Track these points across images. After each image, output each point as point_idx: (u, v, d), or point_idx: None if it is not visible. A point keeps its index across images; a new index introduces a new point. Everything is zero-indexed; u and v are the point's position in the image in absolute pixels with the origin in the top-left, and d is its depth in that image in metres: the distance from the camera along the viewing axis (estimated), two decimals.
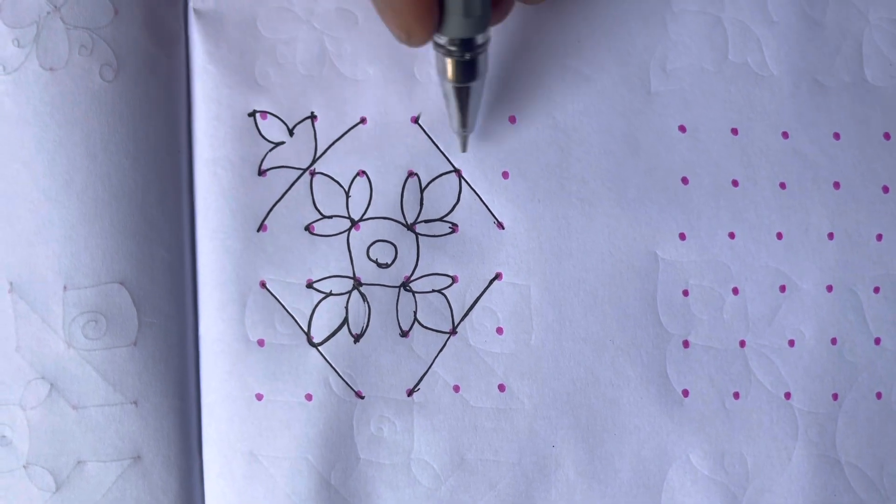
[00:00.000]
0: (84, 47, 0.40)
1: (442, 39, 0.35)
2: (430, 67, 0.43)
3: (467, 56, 0.36)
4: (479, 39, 0.36)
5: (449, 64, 0.36)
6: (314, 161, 0.42)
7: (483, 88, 0.39)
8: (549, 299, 0.43)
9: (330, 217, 0.42)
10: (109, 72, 0.40)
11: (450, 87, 0.38)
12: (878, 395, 0.45)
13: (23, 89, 0.39)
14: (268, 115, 0.42)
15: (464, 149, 0.42)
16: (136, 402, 0.40)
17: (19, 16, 0.39)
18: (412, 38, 0.34)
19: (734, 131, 0.44)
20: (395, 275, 0.43)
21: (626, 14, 0.44)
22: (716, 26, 0.44)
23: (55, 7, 0.39)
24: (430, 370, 0.42)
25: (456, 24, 0.34)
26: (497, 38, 0.43)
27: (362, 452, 0.42)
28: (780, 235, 0.44)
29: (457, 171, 0.43)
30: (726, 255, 0.44)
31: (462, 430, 0.42)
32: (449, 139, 0.43)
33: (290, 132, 0.42)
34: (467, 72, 0.36)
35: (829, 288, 0.44)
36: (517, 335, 0.43)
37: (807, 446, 0.44)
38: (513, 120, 0.43)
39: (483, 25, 0.35)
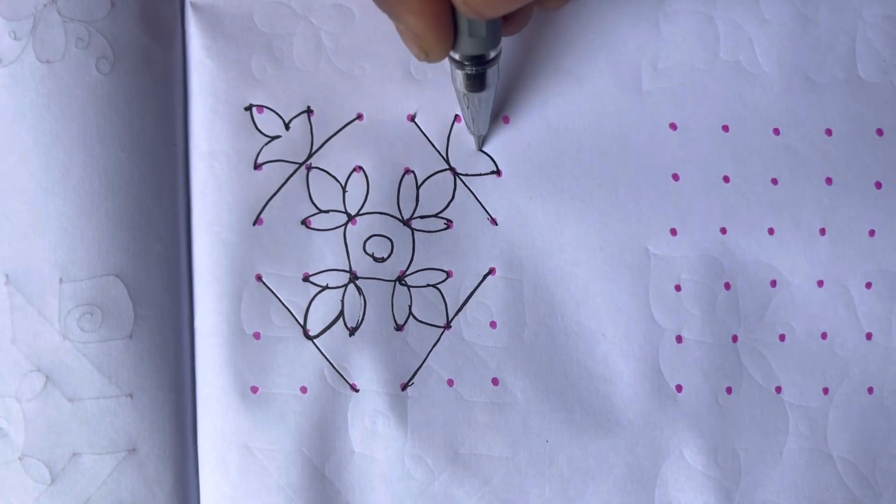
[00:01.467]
0: (80, 40, 0.39)
1: (455, 55, 0.37)
2: (426, 65, 0.43)
3: (476, 70, 0.37)
4: (490, 54, 0.37)
5: (460, 76, 0.38)
6: (310, 155, 0.42)
7: (493, 96, 0.40)
8: (542, 294, 0.43)
9: (326, 211, 0.42)
10: (106, 65, 0.39)
11: (462, 95, 0.39)
12: (870, 390, 0.44)
13: (19, 82, 0.39)
14: (264, 109, 0.42)
15: (478, 147, 0.43)
16: (131, 395, 0.40)
17: (16, 8, 0.39)
18: (431, 56, 0.36)
19: (725, 128, 0.44)
20: (391, 269, 0.42)
21: (618, 13, 0.44)
22: (708, 25, 0.44)
23: (52, 0, 0.39)
24: (424, 364, 0.42)
25: (465, 43, 0.36)
26: None
27: (356, 445, 0.41)
28: (771, 231, 0.44)
29: (451, 168, 0.43)
30: (718, 251, 0.44)
31: (456, 425, 0.42)
32: (444, 137, 0.43)
33: (287, 126, 0.42)
34: (477, 83, 0.38)
35: (821, 283, 0.44)
36: (510, 329, 0.43)
37: (797, 440, 0.44)
38: (506, 120, 0.43)
39: (491, 44, 0.36)
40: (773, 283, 0.44)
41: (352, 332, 0.42)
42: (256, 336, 0.41)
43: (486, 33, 0.35)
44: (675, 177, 0.43)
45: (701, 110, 0.44)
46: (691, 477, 0.43)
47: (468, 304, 0.43)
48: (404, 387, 0.42)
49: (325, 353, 0.42)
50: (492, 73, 0.38)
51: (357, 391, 0.42)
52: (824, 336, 0.44)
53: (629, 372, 0.43)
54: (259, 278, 0.42)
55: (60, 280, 0.39)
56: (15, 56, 0.39)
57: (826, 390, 0.44)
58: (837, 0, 0.45)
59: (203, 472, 0.41)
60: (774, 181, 0.44)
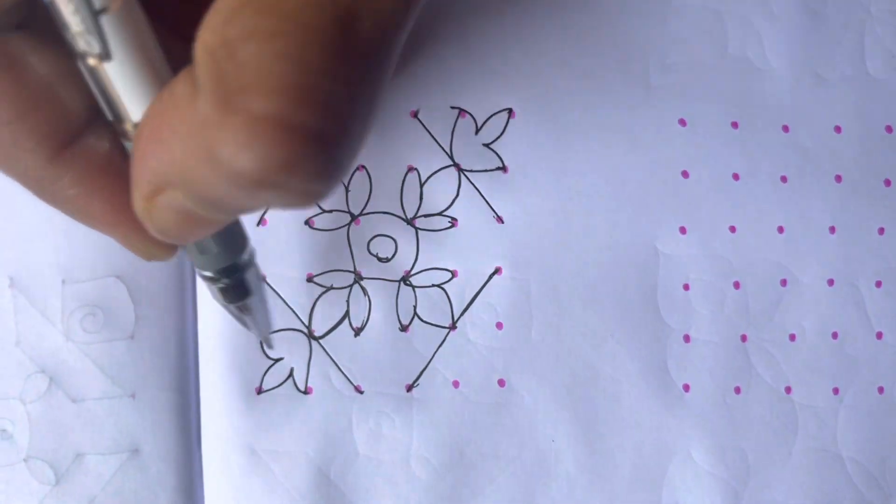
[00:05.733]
0: None
1: (202, 271, 0.30)
2: (429, 59, 0.42)
3: (229, 282, 0.30)
4: (243, 257, 0.29)
5: (214, 291, 0.30)
6: None
7: (260, 297, 0.32)
8: (549, 294, 0.42)
9: (330, 211, 0.41)
10: None
11: (226, 308, 0.32)
12: (880, 390, 0.44)
13: None
14: None
15: (269, 346, 0.39)
16: (133, 395, 0.39)
17: None
18: (159, 259, 0.29)
19: (734, 125, 0.43)
20: (396, 269, 0.41)
21: (626, 8, 0.43)
22: (716, 20, 0.43)
23: None
24: (429, 365, 0.41)
25: (199, 260, 0.29)
26: (497, 31, 0.42)
27: (361, 448, 0.41)
28: (781, 229, 0.43)
29: (456, 165, 0.42)
30: (727, 249, 0.43)
31: (461, 426, 0.41)
32: (448, 133, 0.42)
33: None
34: (237, 293, 0.30)
35: (831, 282, 0.43)
36: (517, 330, 0.42)
37: (805, 440, 0.43)
38: (512, 114, 0.42)
39: (233, 252, 0.29)
40: (783, 283, 0.43)
41: (357, 332, 0.41)
42: None
43: (217, 248, 0.28)
44: (685, 174, 0.43)
45: (710, 106, 0.43)
46: (699, 477, 0.42)
47: (474, 304, 0.41)
48: (409, 388, 0.41)
49: (331, 354, 0.41)
50: (251, 276, 0.30)
51: (362, 393, 0.41)
52: (835, 336, 0.43)
53: (636, 371, 0.42)
54: (263, 279, 0.41)
55: (63, 282, 0.39)
56: None
57: (836, 390, 0.43)
58: None
59: (207, 474, 0.40)
60: (783, 179, 0.43)
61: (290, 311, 0.41)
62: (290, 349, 0.41)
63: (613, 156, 0.42)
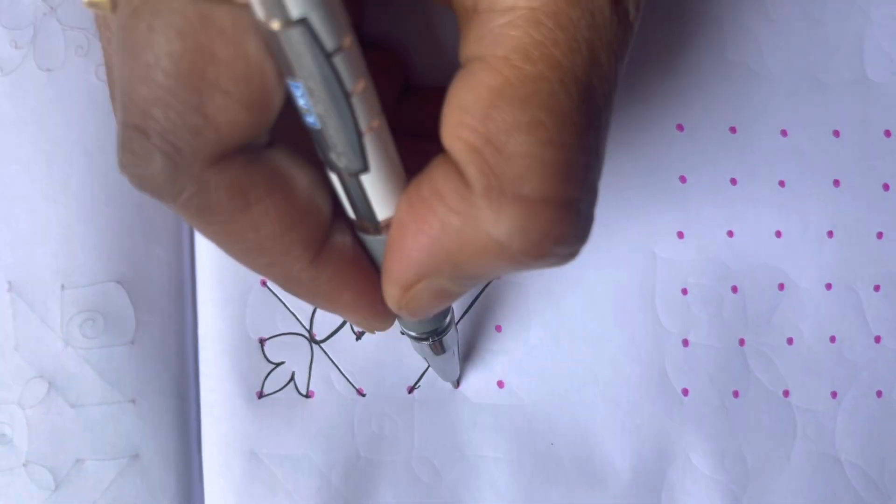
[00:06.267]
0: (80, 48, 0.39)
1: (410, 332, 0.34)
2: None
3: (434, 340, 0.34)
4: (445, 321, 0.33)
5: (421, 347, 0.35)
6: None
7: (455, 349, 0.37)
8: (548, 298, 0.42)
9: None
10: (105, 72, 0.39)
11: (427, 359, 0.37)
12: (879, 394, 0.43)
13: (20, 90, 0.38)
14: None
15: (455, 387, 0.42)
16: (133, 401, 0.39)
17: (16, 17, 0.38)
18: (378, 330, 0.32)
19: (732, 130, 0.43)
20: None
21: None
22: (714, 25, 0.43)
23: (51, 8, 0.39)
24: (430, 367, 0.41)
25: (415, 324, 0.33)
26: None
27: (363, 450, 0.41)
28: (779, 234, 0.43)
29: None
30: (725, 254, 0.43)
31: (462, 428, 0.41)
32: None
33: None
34: (439, 348, 0.35)
35: (829, 286, 0.43)
36: (516, 333, 0.41)
37: (805, 444, 0.43)
38: None
39: (444, 314, 0.32)
40: (781, 287, 0.43)
41: (358, 336, 0.41)
42: (261, 341, 0.41)
43: (435, 315, 0.32)
44: (683, 179, 0.43)
45: (708, 111, 0.43)
46: (698, 481, 0.42)
47: (473, 307, 0.42)
48: (411, 390, 0.41)
49: (332, 358, 0.41)
50: (451, 336, 0.34)
51: (363, 395, 0.41)
52: (832, 339, 0.43)
53: (635, 376, 0.42)
54: (264, 283, 0.41)
55: (62, 287, 0.39)
56: (16, 65, 0.39)
57: (834, 394, 0.43)
58: (844, 0, 0.44)
59: (207, 478, 0.40)
60: (782, 183, 0.43)
61: (292, 315, 0.41)
62: (291, 353, 0.41)
63: (611, 161, 0.42)
